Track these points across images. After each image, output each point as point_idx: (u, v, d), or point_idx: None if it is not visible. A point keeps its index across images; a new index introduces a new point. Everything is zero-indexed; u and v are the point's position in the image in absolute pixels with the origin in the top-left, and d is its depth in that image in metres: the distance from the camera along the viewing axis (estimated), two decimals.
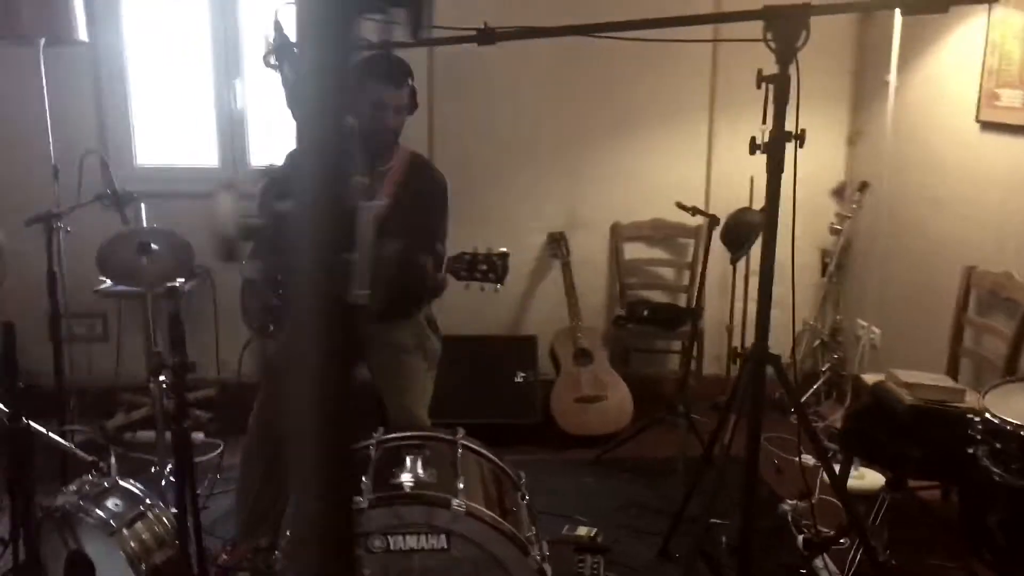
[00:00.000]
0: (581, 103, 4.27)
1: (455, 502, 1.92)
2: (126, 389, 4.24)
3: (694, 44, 3.89)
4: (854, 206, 4.27)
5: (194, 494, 2.17)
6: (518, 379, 4.04)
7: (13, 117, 3.96)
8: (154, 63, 4.21)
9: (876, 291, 4.06)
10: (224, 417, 4.04)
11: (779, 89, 2.30)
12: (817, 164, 4.45)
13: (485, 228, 4.30)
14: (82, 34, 3.76)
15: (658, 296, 4.49)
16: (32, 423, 2.35)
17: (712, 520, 3.05)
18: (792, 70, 2.26)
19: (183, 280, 3.96)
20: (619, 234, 4.41)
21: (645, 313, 4.17)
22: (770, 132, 2.33)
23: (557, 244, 4.29)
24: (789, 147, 2.31)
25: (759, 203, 3.73)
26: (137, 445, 3.83)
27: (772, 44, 2.26)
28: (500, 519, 1.99)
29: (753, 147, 2.36)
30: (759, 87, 2.30)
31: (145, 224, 2.91)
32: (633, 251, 4.45)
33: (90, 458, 2.62)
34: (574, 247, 4.32)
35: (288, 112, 2.65)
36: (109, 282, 3.90)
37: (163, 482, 3.03)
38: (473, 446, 2.34)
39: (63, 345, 3.42)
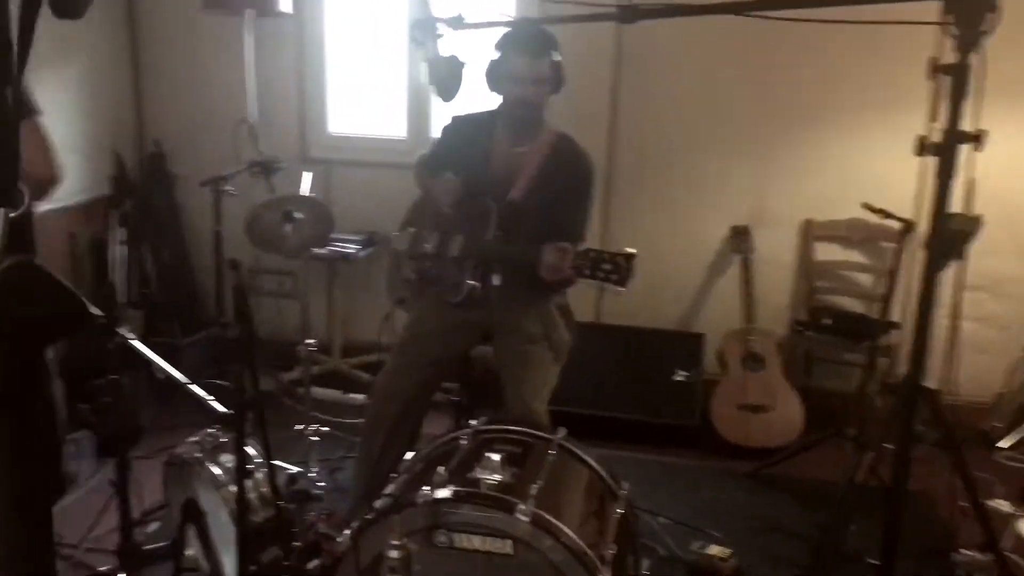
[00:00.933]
0: (777, 86, 3.93)
1: (520, 507, 1.82)
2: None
3: (915, 27, 3.45)
4: None
5: (269, 459, 2.20)
6: (678, 377, 3.84)
7: (221, 84, 4.26)
8: (352, 36, 4.35)
9: None
10: None
11: (957, 81, 1.97)
12: None
13: (664, 215, 4.14)
14: (286, 6, 3.97)
15: (853, 304, 4.08)
16: (173, 371, 2.50)
17: (870, 560, 2.75)
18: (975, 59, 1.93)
19: (359, 247, 4.14)
20: (811, 232, 4.05)
21: (827, 321, 3.80)
22: (943, 131, 2.01)
23: (740, 238, 4.01)
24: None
25: (979, 208, 3.31)
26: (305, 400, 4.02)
27: (953, 30, 1.94)
28: (570, 532, 1.86)
29: (921, 148, 2.04)
30: (930, 78, 1.98)
31: (309, 191, 3.01)
32: (826, 252, 4.07)
33: (227, 411, 2.76)
34: (758, 243, 4.02)
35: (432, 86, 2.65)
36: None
37: (306, 441, 3.15)
38: (571, 448, 2.22)
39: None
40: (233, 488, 2.30)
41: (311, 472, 3.14)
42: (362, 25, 4.32)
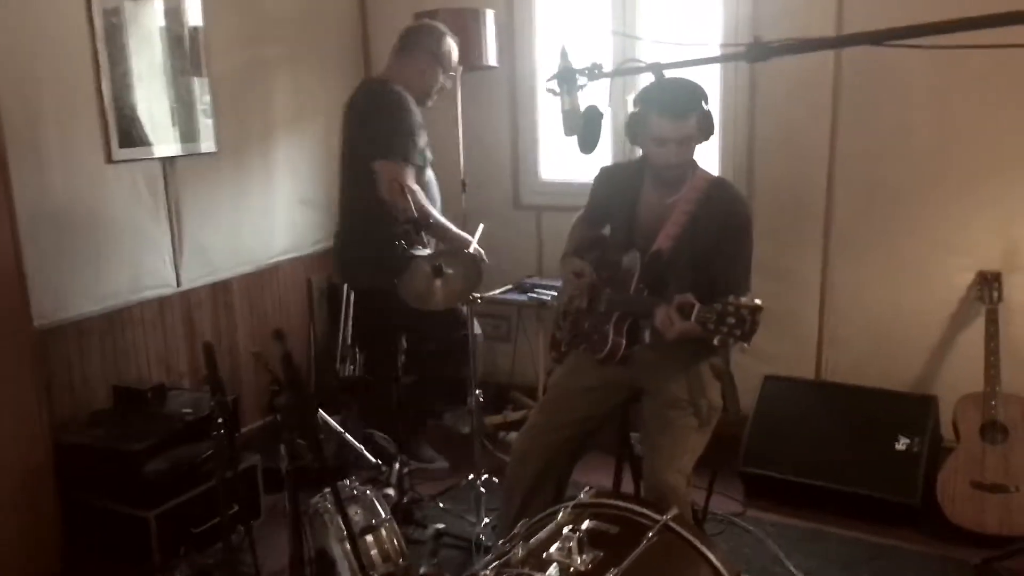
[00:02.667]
0: None
1: None
2: (517, 388, 4.53)
3: None
4: None
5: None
6: (899, 446, 3.36)
7: (439, 136, 4.43)
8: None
9: None
10: None
11: None
12: None
13: (895, 260, 3.70)
14: (492, 60, 4.09)
15: None
16: (328, 419, 2.64)
17: None
18: None
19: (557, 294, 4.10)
20: None
21: None
22: None
23: (987, 286, 3.45)
24: None
25: None
26: (503, 445, 4.05)
27: None
28: None
29: None
30: None
31: (476, 244, 3.07)
32: None
33: (375, 462, 2.86)
34: (1009, 292, 3.43)
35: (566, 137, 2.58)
36: (508, 288, 4.21)
37: (473, 492, 3.16)
38: (680, 531, 2.01)
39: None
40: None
41: (479, 524, 3.14)
42: None
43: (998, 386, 3.29)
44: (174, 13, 3.68)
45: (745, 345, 2.07)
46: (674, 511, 2.05)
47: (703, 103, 2.43)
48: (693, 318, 2.18)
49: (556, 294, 3.33)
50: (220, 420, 2.03)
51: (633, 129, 2.51)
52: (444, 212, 3.62)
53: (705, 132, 2.46)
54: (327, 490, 2.51)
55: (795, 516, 3.39)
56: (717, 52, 2.71)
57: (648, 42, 3.92)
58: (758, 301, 2.07)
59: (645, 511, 2.05)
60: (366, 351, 4.25)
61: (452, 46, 3.53)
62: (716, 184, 2.55)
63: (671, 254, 2.51)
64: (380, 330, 3.76)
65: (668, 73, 2.33)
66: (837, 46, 1.93)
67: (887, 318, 3.72)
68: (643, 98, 2.48)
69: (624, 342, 2.57)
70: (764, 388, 3.75)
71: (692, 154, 2.50)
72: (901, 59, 3.40)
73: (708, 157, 3.81)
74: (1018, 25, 1.61)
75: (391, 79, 3.44)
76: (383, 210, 3.25)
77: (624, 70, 2.40)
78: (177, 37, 3.71)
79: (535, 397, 4.39)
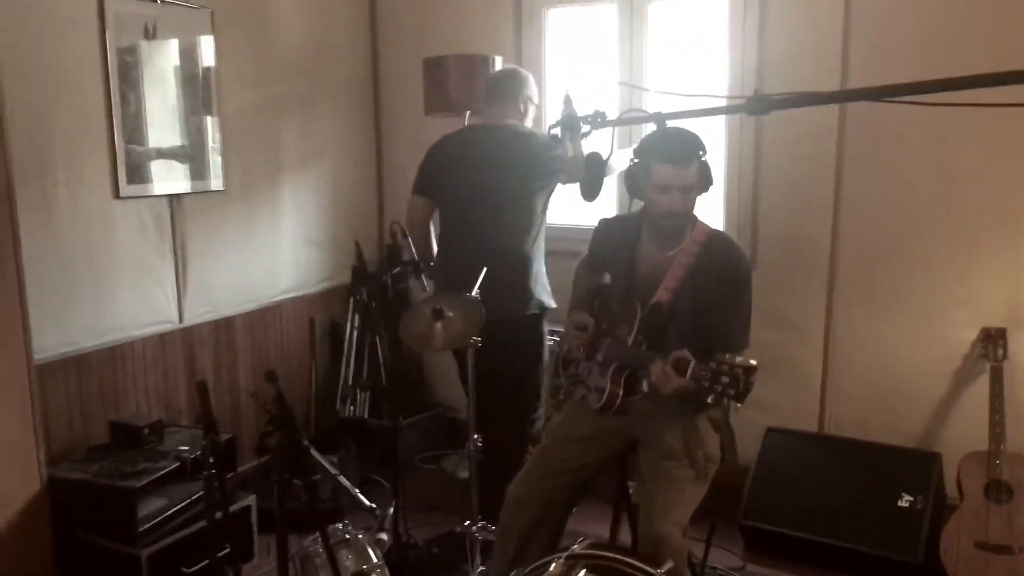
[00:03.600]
0: None
1: None
2: None
3: None
4: None
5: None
6: (902, 503, 3.32)
7: None
8: None
9: None
10: None
11: None
12: None
13: (899, 315, 3.67)
14: None
15: None
16: (320, 459, 2.61)
17: None
18: None
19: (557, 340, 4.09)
20: None
21: None
22: None
23: (992, 343, 3.42)
24: None
25: None
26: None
27: None
28: None
29: None
30: None
31: (478, 288, 3.08)
32: None
33: (369, 505, 2.83)
34: (1015, 349, 3.40)
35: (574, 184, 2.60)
36: None
37: (467, 541, 3.12)
38: None
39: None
40: None
41: (474, 572, 3.10)
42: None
43: (1003, 445, 3.25)
44: (189, 53, 3.75)
45: (738, 405, 2.06)
46: (669, 564, 2.03)
47: (701, 153, 2.45)
48: (688, 375, 2.18)
49: (557, 340, 3.34)
50: (211, 460, 2.02)
51: (633, 180, 2.53)
52: None
53: (705, 183, 2.48)
54: (317, 533, 2.49)
55: (795, 572, 3.34)
56: (719, 104, 2.74)
57: (654, 93, 3.96)
58: (753, 362, 2.07)
59: (639, 564, 2.02)
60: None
61: (535, 85, 3.68)
62: (716, 238, 2.56)
63: (670, 306, 2.51)
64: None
65: (669, 123, 2.37)
66: (836, 101, 1.94)
67: (891, 372, 3.69)
68: (643, 148, 2.50)
69: (621, 392, 2.56)
70: (766, 440, 3.72)
71: (694, 205, 2.51)
72: (905, 112, 3.37)
73: (713, 207, 3.82)
74: (1019, 84, 1.63)
75: (508, 122, 3.54)
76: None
77: (627, 119, 2.42)
78: (191, 76, 3.77)
79: (535, 443, 4.36)
